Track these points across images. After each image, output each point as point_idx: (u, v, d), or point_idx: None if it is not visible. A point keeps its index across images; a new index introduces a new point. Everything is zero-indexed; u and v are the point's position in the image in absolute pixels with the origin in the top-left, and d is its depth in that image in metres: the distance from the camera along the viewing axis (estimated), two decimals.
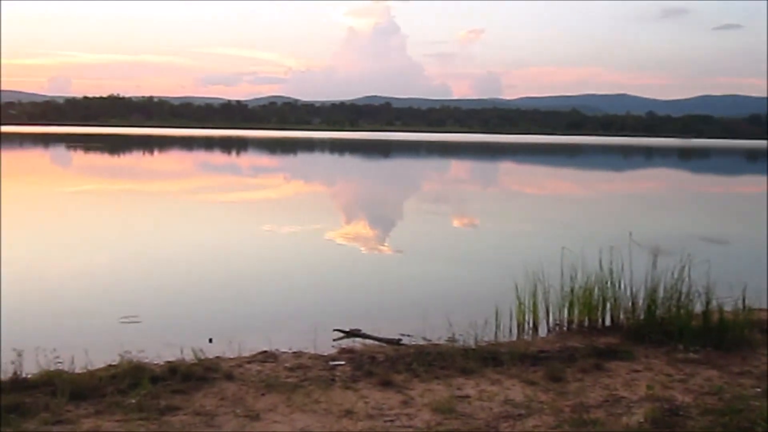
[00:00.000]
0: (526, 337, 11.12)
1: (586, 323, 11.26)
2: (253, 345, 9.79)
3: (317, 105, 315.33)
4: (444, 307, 12.07)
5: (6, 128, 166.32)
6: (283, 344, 9.92)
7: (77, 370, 8.44)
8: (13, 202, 29.95)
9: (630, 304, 11.02)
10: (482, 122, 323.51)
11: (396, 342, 10.17)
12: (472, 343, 9.85)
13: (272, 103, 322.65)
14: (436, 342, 10.18)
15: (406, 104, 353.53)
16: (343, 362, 9.05)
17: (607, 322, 11.29)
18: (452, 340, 10.21)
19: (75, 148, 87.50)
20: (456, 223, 27.08)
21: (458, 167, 73.23)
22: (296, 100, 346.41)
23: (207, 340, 10.07)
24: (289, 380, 8.28)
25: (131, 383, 7.85)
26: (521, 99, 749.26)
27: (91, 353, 8.92)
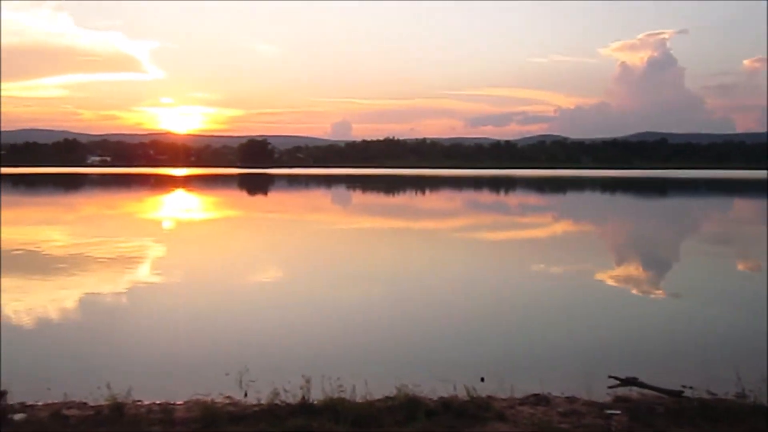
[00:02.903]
0: None
1: None
2: (525, 387, 9.73)
3: (587, 143, 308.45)
4: (730, 358, 11.16)
5: (295, 170, 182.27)
6: (555, 388, 9.74)
7: (358, 399, 8.92)
8: (298, 237, 32.60)
9: None
10: None
11: (677, 394, 9.54)
12: (764, 401, 8.98)
13: (541, 142, 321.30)
14: (723, 397, 9.41)
15: (684, 140, 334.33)
16: (618, 411, 8.67)
17: None
18: (741, 396, 9.38)
19: (354, 188, 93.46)
20: (741, 266, 24.99)
21: (744, 206, 67.64)
22: (566, 138, 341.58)
23: (479, 379, 10.17)
24: (563, 426, 8.09)
25: (407, 415, 8.14)
26: None
27: (371, 384, 9.38)
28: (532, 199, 76.15)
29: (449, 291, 18.79)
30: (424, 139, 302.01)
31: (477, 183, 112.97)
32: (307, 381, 9.13)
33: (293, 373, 9.82)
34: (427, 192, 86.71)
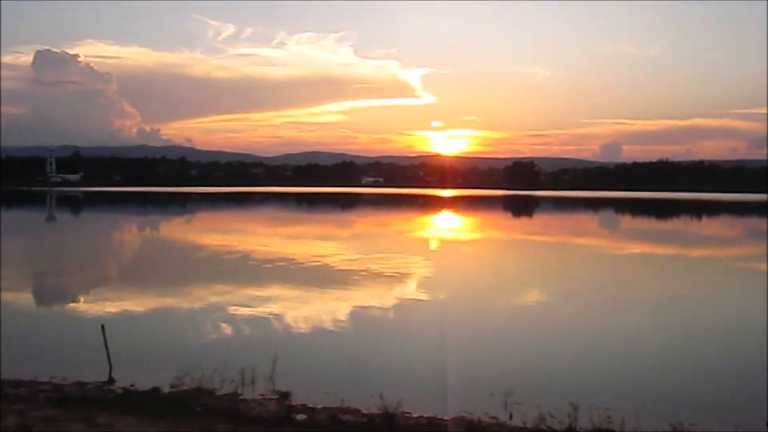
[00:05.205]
0: None
1: None
2: None
3: None
4: None
5: (561, 193, 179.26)
6: None
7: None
8: (564, 261, 32.02)
9: None
10: None
11: None
12: None
13: None
14: None
15: None
16: None
17: None
18: None
19: (623, 211, 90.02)
20: None
21: None
22: None
23: (764, 423, 9.32)
24: None
25: None
26: None
27: (642, 418, 8.96)
28: None
29: (732, 324, 17.42)
30: (702, 162, 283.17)
31: (763, 209, 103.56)
32: (575, 408, 8.95)
33: (560, 399, 9.66)
34: (705, 218, 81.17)
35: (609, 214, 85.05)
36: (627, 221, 72.84)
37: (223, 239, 40.50)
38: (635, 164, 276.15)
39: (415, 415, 9.63)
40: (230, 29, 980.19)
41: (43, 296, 21.76)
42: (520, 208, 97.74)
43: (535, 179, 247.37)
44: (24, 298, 20.94)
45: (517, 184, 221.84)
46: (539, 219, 74.50)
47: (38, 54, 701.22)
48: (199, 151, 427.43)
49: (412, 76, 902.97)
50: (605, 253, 36.72)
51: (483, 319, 17.54)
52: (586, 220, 74.65)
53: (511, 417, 9.70)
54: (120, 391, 10.89)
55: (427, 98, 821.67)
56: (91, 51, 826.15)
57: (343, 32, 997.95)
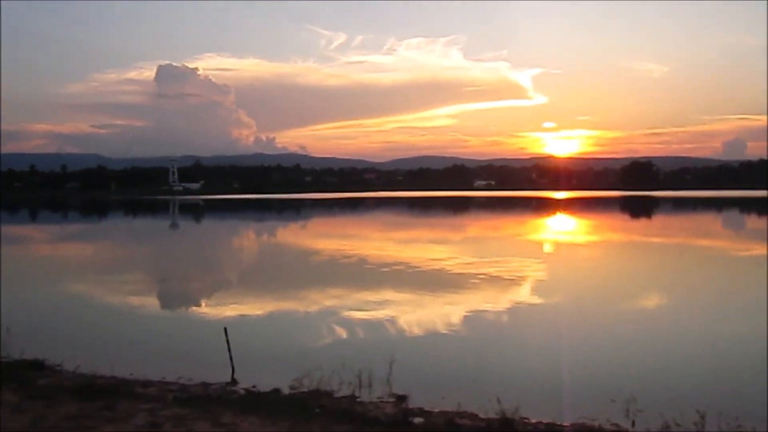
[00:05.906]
0: None
1: None
2: None
3: None
4: None
5: (682, 192, 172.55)
6: None
7: None
8: (686, 264, 30.80)
9: None
10: None
11: None
12: None
13: None
14: None
15: None
16: None
17: None
18: None
19: (748, 211, 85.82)
20: None
21: None
22: None
23: None
24: None
25: None
26: None
27: None
28: None
29: None
30: None
31: None
32: (702, 416, 8.60)
33: (685, 406, 9.30)
34: None
35: (734, 214, 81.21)
36: (753, 221, 69.34)
37: (338, 244, 41.17)
38: (761, 161, 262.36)
39: (533, 421, 9.49)
40: (341, 38, 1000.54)
41: (169, 300, 22.73)
42: (638, 209, 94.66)
43: (654, 179, 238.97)
44: (151, 302, 21.97)
45: (634, 184, 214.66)
46: (658, 220, 71.99)
47: (160, 68, 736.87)
48: (313, 158, 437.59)
49: (523, 77, 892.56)
50: (730, 255, 35.12)
51: (601, 323, 17.12)
52: (709, 220, 71.57)
53: (633, 424, 9.42)
54: (242, 391, 11.24)
55: (539, 99, 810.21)
56: (209, 64, 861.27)
57: (452, 36, 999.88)
